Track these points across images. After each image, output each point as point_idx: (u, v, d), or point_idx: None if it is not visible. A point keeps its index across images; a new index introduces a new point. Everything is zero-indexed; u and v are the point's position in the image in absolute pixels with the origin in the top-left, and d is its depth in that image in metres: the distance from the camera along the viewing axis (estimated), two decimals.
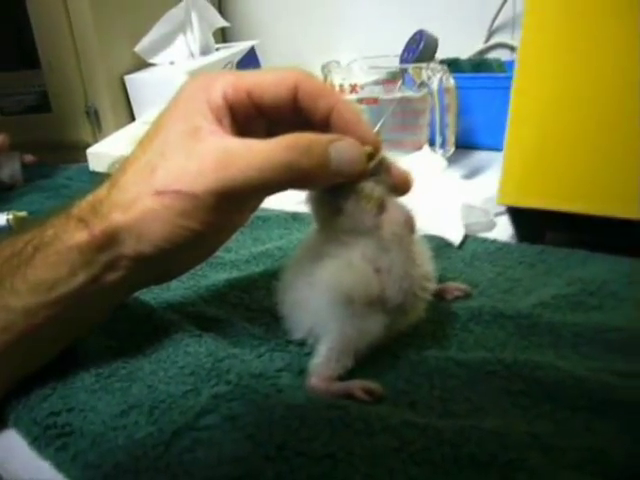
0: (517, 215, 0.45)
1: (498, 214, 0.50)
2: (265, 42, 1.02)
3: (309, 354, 0.31)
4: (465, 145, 0.74)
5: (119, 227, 0.28)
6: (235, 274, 0.43)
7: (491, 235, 0.48)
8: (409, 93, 0.62)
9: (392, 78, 0.64)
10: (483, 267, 0.41)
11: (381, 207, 0.29)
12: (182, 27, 0.92)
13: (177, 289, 0.41)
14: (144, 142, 0.29)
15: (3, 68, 0.86)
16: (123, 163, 0.30)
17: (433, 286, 0.32)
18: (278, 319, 0.33)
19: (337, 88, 0.63)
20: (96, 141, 0.83)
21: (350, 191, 0.29)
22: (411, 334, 0.33)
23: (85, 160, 0.79)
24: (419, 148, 0.63)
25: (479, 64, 0.87)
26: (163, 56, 0.92)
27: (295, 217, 0.54)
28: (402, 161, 0.57)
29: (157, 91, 0.84)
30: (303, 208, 0.34)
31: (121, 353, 0.32)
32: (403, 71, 0.62)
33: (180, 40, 0.92)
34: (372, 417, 0.25)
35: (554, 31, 0.42)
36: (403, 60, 0.66)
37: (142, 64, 0.90)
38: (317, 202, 0.31)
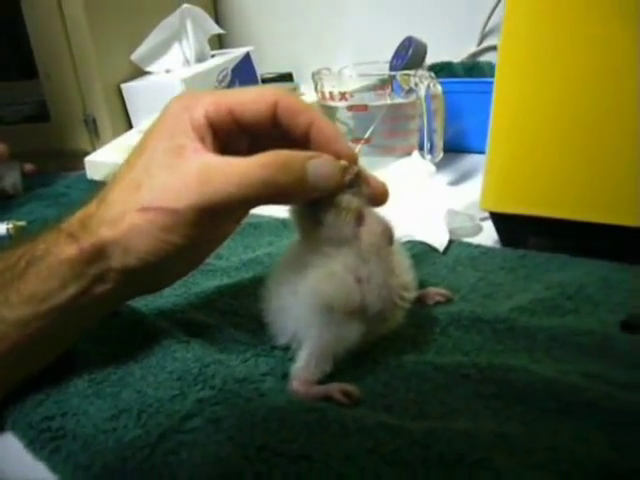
0: (499, 220, 0.46)
1: (484, 219, 0.51)
2: (260, 48, 1.03)
3: (293, 359, 0.33)
4: (456, 149, 0.75)
5: (107, 242, 0.29)
6: (225, 281, 0.44)
7: (477, 240, 0.49)
8: (398, 100, 0.63)
9: (382, 84, 0.65)
10: (466, 272, 0.43)
11: (359, 218, 0.31)
12: (177, 35, 0.93)
13: (169, 296, 0.42)
14: (130, 160, 0.31)
15: (1, 78, 0.88)
16: (110, 181, 0.31)
17: (412, 295, 0.33)
18: (264, 325, 0.34)
19: (327, 95, 0.64)
20: (94, 149, 0.85)
21: (329, 204, 0.30)
22: (391, 339, 0.34)
23: (83, 168, 0.80)
24: (410, 153, 0.64)
25: (472, 67, 0.88)
26: (159, 64, 0.93)
27: (285, 224, 0.55)
28: (390, 167, 0.59)
29: (154, 99, 0.85)
30: None
31: (113, 359, 0.33)
32: (392, 78, 0.63)
33: (176, 48, 0.93)
34: (348, 419, 0.27)
35: (533, 35, 0.43)
36: (392, 67, 0.67)
37: (139, 72, 0.92)
38: (298, 214, 0.32)
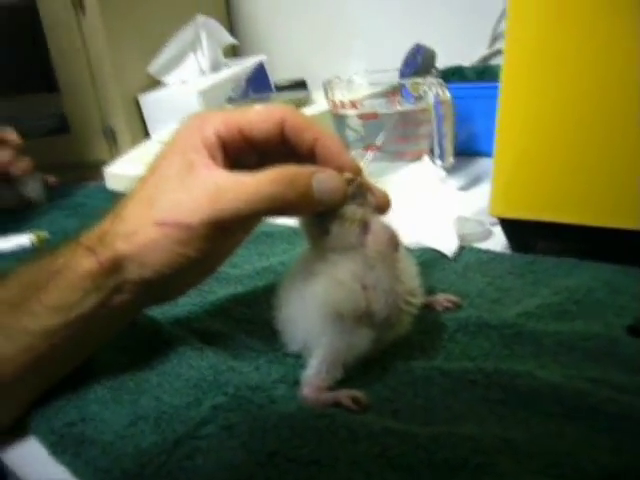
0: (508, 226, 0.47)
1: (494, 224, 0.52)
2: (273, 57, 1.04)
3: (304, 366, 0.34)
4: (468, 152, 0.75)
5: (123, 255, 0.30)
6: (239, 289, 0.46)
7: (487, 245, 0.50)
8: (408, 106, 0.64)
9: (392, 90, 0.66)
10: (474, 278, 0.43)
11: (364, 227, 0.32)
12: (192, 46, 0.95)
13: (185, 305, 0.43)
14: (144, 177, 0.32)
15: (23, 92, 0.90)
16: (125, 197, 0.33)
17: (418, 301, 0.34)
18: (277, 333, 0.36)
19: (338, 103, 0.65)
20: (113, 159, 0.87)
21: (334, 214, 0.32)
22: (400, 345, 0.35)
23: (103, 178, 0.82)
24: (420, 157, 0.64)
25: (483, 71, 0.88)
26: (175, 75, 0.95)
27: (298, 232, 0.55)
28: (400, 173, 0.60)
29: (171, 109, 0.87)
30: None
31: (131, 367, 0.35)
32: (401, 85, 0.64)
33: (191, 59, 0.95)
34: (357, 425, 0.28)
35: (537, 38, 0.43)
36: (402, 74, 0.68)
37: (155, 84, 0.94)
38: (307, 224, 0.34)
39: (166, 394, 0.32)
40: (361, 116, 0.64)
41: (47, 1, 0.83)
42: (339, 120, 0.67)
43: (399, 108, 0.64)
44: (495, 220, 0.51)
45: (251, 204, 0.29)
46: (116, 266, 0.30)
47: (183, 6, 0.98)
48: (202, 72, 0.96)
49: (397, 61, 0.72)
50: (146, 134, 0.93)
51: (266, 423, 0.28)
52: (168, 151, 0.32)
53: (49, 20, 0.84)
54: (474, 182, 0.67)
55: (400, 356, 0.34)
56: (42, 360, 0.30)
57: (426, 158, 0.63)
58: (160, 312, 0.42)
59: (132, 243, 0.30)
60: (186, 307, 0.43)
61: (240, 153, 0.33)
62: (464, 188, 0.65)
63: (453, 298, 0.39)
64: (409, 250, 0.36)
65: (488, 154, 0.77)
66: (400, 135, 0.66)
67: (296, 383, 0.32)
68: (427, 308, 0.38)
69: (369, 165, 0.64)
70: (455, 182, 0.66)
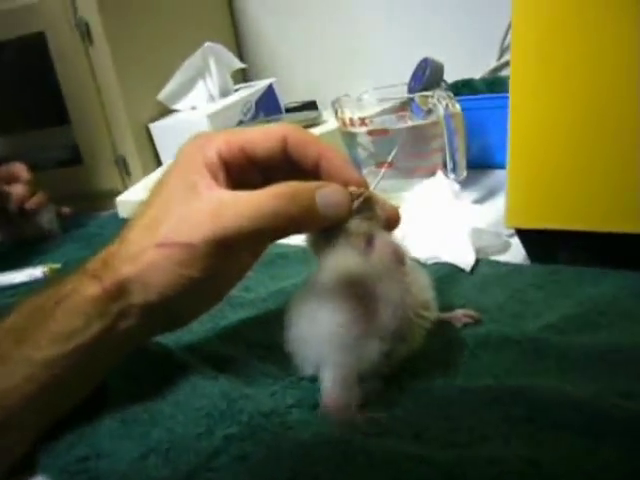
0: (526, 237, 0.45)
1: (511, 235, 0.51)
2: (283, 79, 1.05)
3: (320, 389, 0.33)
4: (481, 165, 0.74)
5: (128, 279, 0.30)
6: (253, 313, 0.45)
7: (506, 257, 0.49)
8: (418, 121, 0.63)
9: (402, 106, 0.65)
10: (494, 291, 0.42)
11: (369, 241, 0.31)
12: (201, 72, 0.96)
13: (197, 331, 0.43)
14: (148, 199, 0.32)
15: (35, 126, 0.92)
16: (131, 220, 0.32)
17: (432, 314, 0.33)
18: (291, 358, 0.35)
19: (348, 122, 0.64)
20: (126, 188, 0.87)
21: (339, 229, 0.31)
22: (418, 364, 0.33)
23: (116, 207, 0.82)
24: (434, 173, 0.64)
25: (492, 82, 0.88)
26: (185, 102, 0.96)
27: None
28: (414, 189, 0.59)
29: (181, 135, 0.86)
30: None
31: (142, 397, 0.34)
32: (410, 100, 0.63)
33: (200, 85, 0.96)
34: (374, 450, 0.26)
35: (544, 45, 0.42)
36: (410, 89, 0.68)
37: (165, 111, 0.95)
38: (313, 242, 0.33)
39: (178, 425, 0.31)
40: (371, 133, 0.63)
41: (55, 32, 0.84)
42: (349, 138, 0.66)
43: (409, 123, 0.63)
44: (512, 231, 0.50)
45: (253, 220, 0.28)
46: (120, 290, 0.30)
47: (191, 32, 0.99)
48: (212, 98, 0.96)
49: (406, 78, 0.72)
50: (158, 162, 0.93)
51: (280, 451, 0.27)
52: (170, 173, 0.32)
53: (57, 51, 0.85)
54: (489, 195, 0.66)
55: (419, 375, 0.33)
56: (45, 390, 0.30)
57: (440, 173, 0.62)
58: (173, 339, 0.41)
59: (136, 266, 0.30)
60: (198, 333, 0.42)
61: (243, 173, 0.32)
62: (479, 201, 0.64)
63: (472, 313, 0.38)
64: (421, 264, 0.35)
65: (501, 166, 0.76)
66: (412, 151, 0.65)
67: (312, 407, 0.31)
68: (445, 325, 0.37)
69: (381, 182, 0.63)
70: (469, 195, 0.64)
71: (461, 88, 0.84)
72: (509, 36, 0.90)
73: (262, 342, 0.40)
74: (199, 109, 0.94)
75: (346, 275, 0.31)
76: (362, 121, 0.63)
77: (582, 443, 0.26)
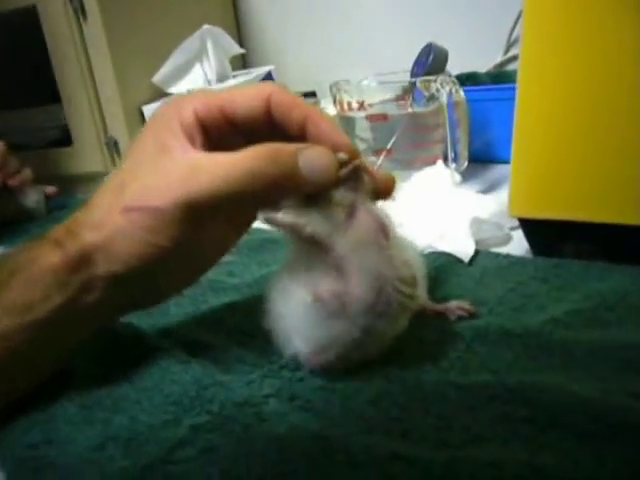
0: (530, 227, 0.43)
1: (513, 228, 0.48)
2: (283, 68, 1.02)
3: (302, 380, 0.30)
4: (484, 159, 0.71)
5: (91, 247, 0.27)
6: (236, 298, 0.42)
7: (506, 250, 0.46)
8: (419, 109, 0.60)
9: (403, 93, 0.62)
10: (494, 284, 0.39)
11: (351, 213, 0.28)
12: (198, 56, 0.93)
13: (176, 315, 0.40)
14: (121, 164, 0.29)
15: (24, 104, 0.89)
16: (100, 186, 0.29)
17: (416, 291, 0.30)
18: (273, 344, 0.32)
19: (346, 106, 0.62)
20: None
21: (322, 199, 0.28)
22: (408, 354, 0.31)
23: None
24: (434, 164, 0.61)
25: (497, 76, 0.85)
26: (180, 85, 0.92)
27: None
28: (413, 177, 0.56)
29: None
30: None
31: (108, 381, 0.31)
32: (412, 85, 0.60)
33: (197, 69, 0.93)
34: (357, 448, 0.23)
35: (555, 33, 0.40)
36: (413, 75, 0.65)
37: (160, 94, 0.91)
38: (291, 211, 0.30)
39: (143, 412, 0.28)
40: (370, 118, 0.60)
41: (47, 6, 0.81)
42: (347, 123, 0.63)
43: (410, 110, 0.61)
44: (514, 224, 0.47)
45: (230, 182, 0.26)
46: (84, 260, 0.27)
47: (190, 14, 0.96)
48: (208, 82, 0.93)
49: (409, 67, 0.69)
50: None
51: (252, 445, 0.24)
52: (143, 134, 0.29)
53: (49, 26, 0.82)
54: (490, 188, 0.63)
55: (408, 367, 0.30)
56: (1, 365, 0.27)
57: (440, 162, 0.59)
58: (151, 322, 0.38)
59: (100, 233, 0.27)
60: (176, 317, 0.40)
61: (223, 136, 0.29)
62: (479, 193, 0.61)
63: (467, 306, 0.35)
64: (410, 241, 0.32)
65: (504, 161, 0.74)
66: (412, 140, 0.62)
67: (291, 398, 0.29)
68: (439, 317, 0.34)
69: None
70: (470, 188, 0.62)
71: (465, 81, 0.81)
72: (516, 29, 0.88)
73: (243, 328, 0.37)
74: None
75: (319, 246, 0.28)
76: (361, 105, 0.60)
77: (588, 447, 0.23)
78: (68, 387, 0.31)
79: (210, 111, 0.29)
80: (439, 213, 0.47)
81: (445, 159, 0.61)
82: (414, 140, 0.62)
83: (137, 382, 0.31)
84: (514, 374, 0.28)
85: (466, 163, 0.59)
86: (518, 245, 0.46)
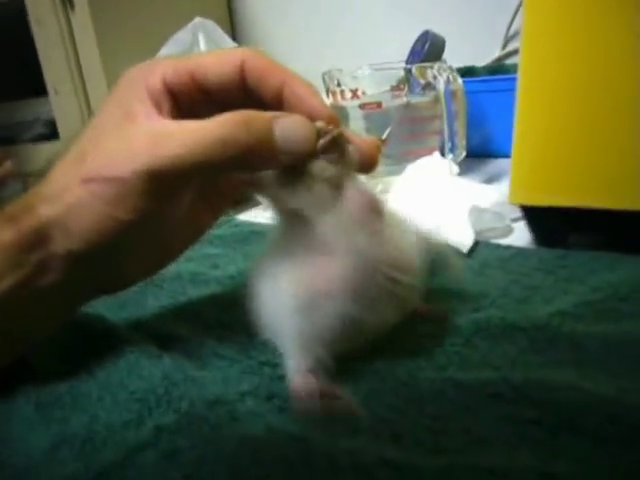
0: (532, 216, 0.40)
1: (515, 219, 0.45)
2: (276, 59, 0.99)
3: (282, 377, 0.27)
4: (482, 154, 0.69)
5: (48, 222, 0.24)
6: (217, 291, 0.39)
7: (507, 241, 0.43)
8: (415, 98, 0.57)
9: (398, 84, 0.60)
10: (495, 275, 0.36)
11: (337, 188, 0.25)
12: (189, 49, 0.90)
13: (152, 307, 0.37)
14: (82, 132, 0.26)
15: (9, 97, 0.86)
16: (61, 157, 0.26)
17: (406, 277, 0.27)
18: (254, 339, 0.29)
19: (338, 94, 0.59)
20: None
21: (300, 172, 0.25)
22: (401, 348, 0.28)
23: None
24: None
25: (496, 70, 0.83)
26: None
27: None
28: (409, 166, 0.53)
29: None
30: None
31: (69, 377, 0.28)
32: (408, 73, 0.58)
33: None
34: (338, 453, 0.20)
35: (556, 21, 0.38)
36: (409, 63, 0.62)
37: None
38: (269, 187, 0.27)
39: (104, 411, 0.25)
40: (364, 107, 0.58)
41: None
42: (340, 113, 0.60)
43: (405, 100, 0.58)
44: (516, 215, 0.44)
45: (198, 149, 0.23)
46: (40, 236, 0.24)
47: (181, 7, 0.94)
48: None
49: (401, 58, 0.67)
50: None
51: (221, 448, 0.21)
52: (107, 101, 0.26)
53: (36, 16, 0.79)
54: (489, 181, 0.61)
55: (400, 362, 0.27)
56: None
57: (436, 153, 0.57)
58: (124, 315, 0.36)
59: (57, 206, 0.24)
60: (152, 309, 0.37)
61: (195, 104, 0.27)
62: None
63: (438, 311, 0.31)
64: (412, 224, 0.29)
65: (502, 155, 0.71)
66: (407, 133, 0.60)
67: (269, 397, 0.26)
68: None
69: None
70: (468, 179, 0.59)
71: (463, 76, 0.79)
72: (514, 25, 0.86)
73: (223, 322, 0.34)
74: None
75: (303, 224, 0.26)
76: (354, 93, 0.57)
77: (604, 452, 0.20)
78: (25, 383, 0.28)
79: (180, 77, 0.26)
80: (437, 202, 0.44)
81: (442, 151, 0.58)
82: (410, 132, 0.60)
83: (101, 378, 0.28)
84: (519, 370, 0.25)
85: (464, 154, 0.57)
86: (520, 238, 0.44)
